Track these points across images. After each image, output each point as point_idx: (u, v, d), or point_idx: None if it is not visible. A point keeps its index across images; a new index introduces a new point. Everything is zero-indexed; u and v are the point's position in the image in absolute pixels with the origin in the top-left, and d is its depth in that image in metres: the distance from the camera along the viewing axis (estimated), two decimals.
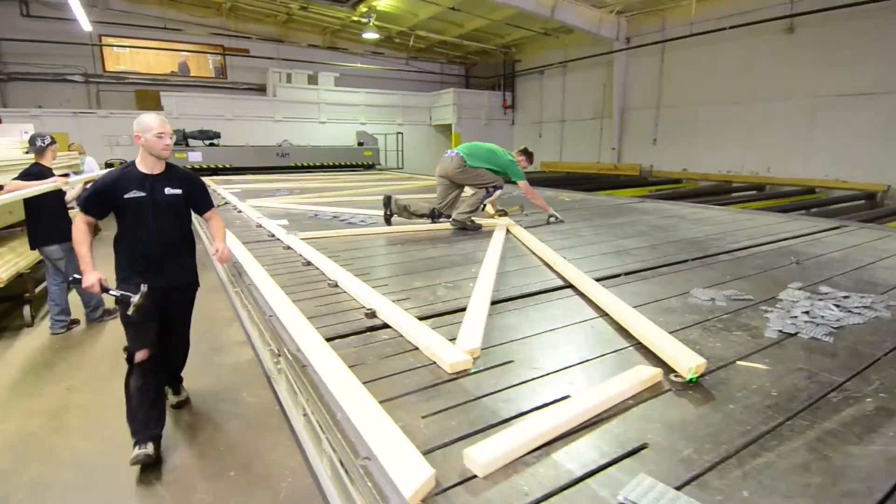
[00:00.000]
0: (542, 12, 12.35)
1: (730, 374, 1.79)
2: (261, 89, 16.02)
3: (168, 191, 2.81)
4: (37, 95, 12.94)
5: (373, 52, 17.82)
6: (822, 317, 2.32)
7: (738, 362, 1.88)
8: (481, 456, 1.22)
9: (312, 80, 15.93)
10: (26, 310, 5.04)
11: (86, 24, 11.52)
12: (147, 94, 14.40)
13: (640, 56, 13.82)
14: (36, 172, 4.54)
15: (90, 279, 2.63)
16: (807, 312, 2.37)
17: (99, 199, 2.72)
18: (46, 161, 4.68)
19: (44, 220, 4.63)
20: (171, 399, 3.42)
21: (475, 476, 1.21)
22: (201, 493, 2.67)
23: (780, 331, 2.17)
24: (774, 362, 1.88)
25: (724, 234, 4.46)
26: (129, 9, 13.93)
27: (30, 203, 4.58)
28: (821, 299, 2.57)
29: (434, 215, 4.81)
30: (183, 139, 11.94)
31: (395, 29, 15.80)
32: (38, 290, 5.33)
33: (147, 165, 2.77)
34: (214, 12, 14.98)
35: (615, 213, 5.89)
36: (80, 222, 2.70)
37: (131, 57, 14.84)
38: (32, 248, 4.76)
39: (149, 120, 2.71)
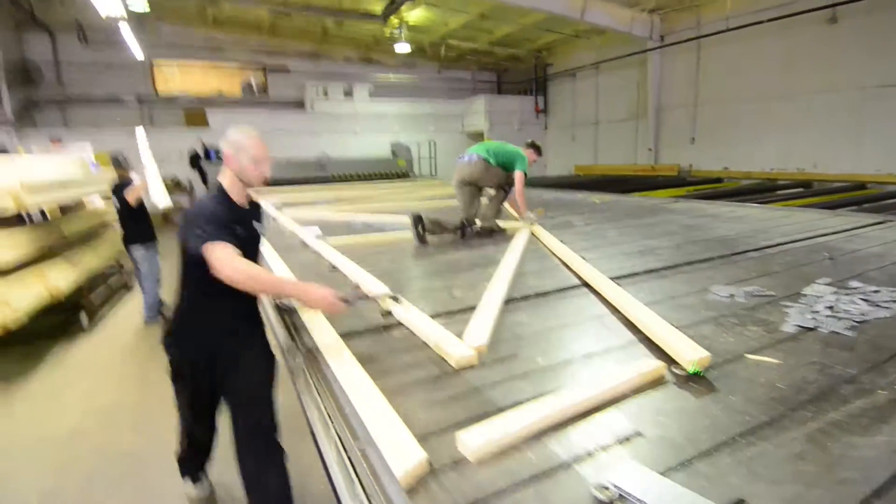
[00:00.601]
0: (571, 14, 12.26)
1: (737, 367, 1.78)
2: (299, 104, 16.59)
3: (258, 227, 2.24)
4: (94, 116, 13.87)
5: (405, 64, 18.15)
6: (846, 311, 2.25)
7: (748, 356, 1.86)
8: (473, 441, 1.29)
9: (348, 92, 16.38)
10: (83, 316, 5.43)
11: (138, 54, 12.31)
12: (195, 112, 15.18)
13: (674, 53, 13.52)
14: (127, 185, 5.23)
15: (324, 297, 1.93)
16: (830, 307, 2.31)
17: (227, 230, 1.95)
18: (128, 175, 5.39)
19: (133, 223, 5.37)
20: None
21: (467, 459, 1.27)
22: (237, 485, 2.82)
23: (799, 325, 2.12)
24: (787, 356, 1.85)
25: (757, 232, 4.34)
26: (178, 33, 14.77)
27: (123, 207, 5.25)
28: (847, 294, 2.49)
29: (465, 227, 4.53)
30: None
31: (427, 39, 16.06)
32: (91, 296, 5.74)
33: (237, 194, 2.10)
34: (256, 32, 15.66)
35: (646, 213, 5.80)
36: (233, 258, 1.85)
37: (180, 78, 15.73)
38: (126, 247, 5.49)
39: (243, 138, 2.01)
